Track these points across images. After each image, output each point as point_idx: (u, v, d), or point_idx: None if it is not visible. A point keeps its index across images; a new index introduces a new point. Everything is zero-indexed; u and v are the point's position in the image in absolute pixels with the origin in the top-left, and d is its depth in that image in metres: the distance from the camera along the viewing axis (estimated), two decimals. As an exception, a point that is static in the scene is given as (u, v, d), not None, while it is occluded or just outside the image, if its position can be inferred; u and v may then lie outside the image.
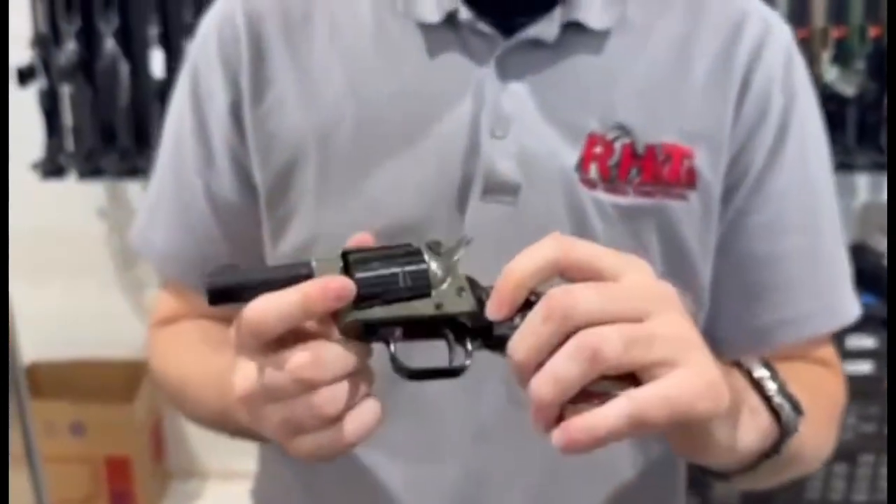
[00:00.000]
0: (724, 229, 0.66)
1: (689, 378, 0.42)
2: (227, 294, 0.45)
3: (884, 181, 1.98)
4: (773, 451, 0.56)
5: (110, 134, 1.84)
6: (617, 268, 0.44)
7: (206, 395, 0.64)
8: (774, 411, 0.56)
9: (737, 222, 0.66)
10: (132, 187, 2.05)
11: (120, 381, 2.06)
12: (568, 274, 0.45)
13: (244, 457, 0.88)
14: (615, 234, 0.63)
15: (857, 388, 1.05)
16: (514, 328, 0.44)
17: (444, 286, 0.47)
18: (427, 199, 0.63)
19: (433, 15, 0.62)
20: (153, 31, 1.78)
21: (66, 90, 1.81)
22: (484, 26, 0.62)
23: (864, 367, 1.74)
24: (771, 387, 0.57)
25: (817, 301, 0.68)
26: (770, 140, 0.65)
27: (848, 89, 1.71)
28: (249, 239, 0.68)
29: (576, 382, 0.41)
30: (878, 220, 1.98)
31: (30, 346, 1.97)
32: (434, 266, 0.47)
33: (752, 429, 0.54)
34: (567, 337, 0.42)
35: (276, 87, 0.65)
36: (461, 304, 0.47)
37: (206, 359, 0.66)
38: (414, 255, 0.47)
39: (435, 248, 0.48)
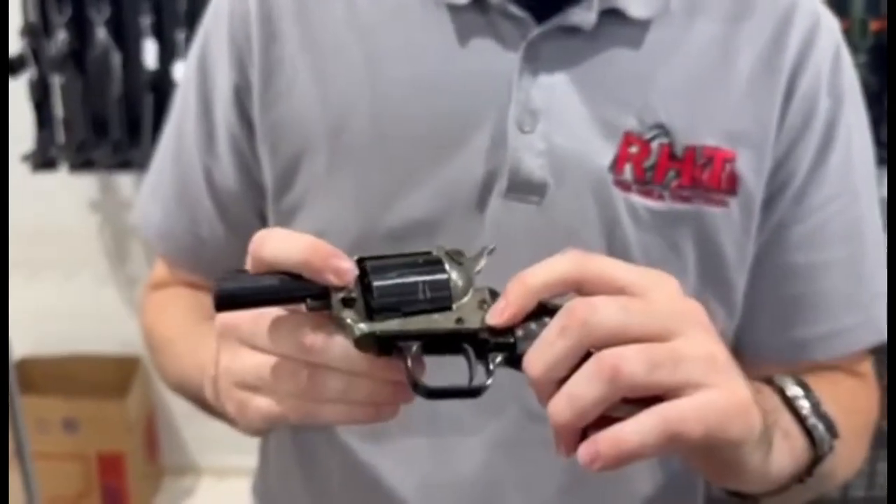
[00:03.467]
0: (764, 239, 0.63)
1: (719, 399, 0.40)
2: (234, 301, 0.43)
3: (884, 176, 1.96)
4: (806, 473, 0.54)
5: (102, 126, 1.81)
6: (641, 284, 0.42)
7: (183, 362, 0.64)
8: (808, 432, 0.54)
9: (777, 233, 0.63)
10: (124, 180, 2.02)
11: (113, 376, 2.04)
12: (586, 290, 0.42)
13: (238, 454, 0.87)
14: (649, 240, 0.59)
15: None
16: (539, 332, 0.42)
17: (466, 299, 0.44)
18: (445, 195, 0.59)
19: None
20: (146, 21, 1.75)
21: (56, 81, 1.78)
22: (516, 9, 0.58)
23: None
24: (804, 406, 0.54)
25: (858, 315, 0.64)
26: (815, 146, 0.61)
27: (849, 83, 1.70)
28: (246, 225, 0.66)
29: (595, 405, 0.39)
30: (877, 214, 1.97)
31: (21, 341, 1.95)
32: (455, 276, 0.44)
33: (786, 453, 0.51)
34: (588, 355, 0.40)
35: (286, 70, 0.61)
36: (483, 319, 0.44)
37: (189, 328, 0.65)
38: (434, 264, 0.44)
39: (456, 257, 0.45)
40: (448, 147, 0.59)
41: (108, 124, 1.80)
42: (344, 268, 0.42)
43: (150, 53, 1.76)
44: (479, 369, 0.44)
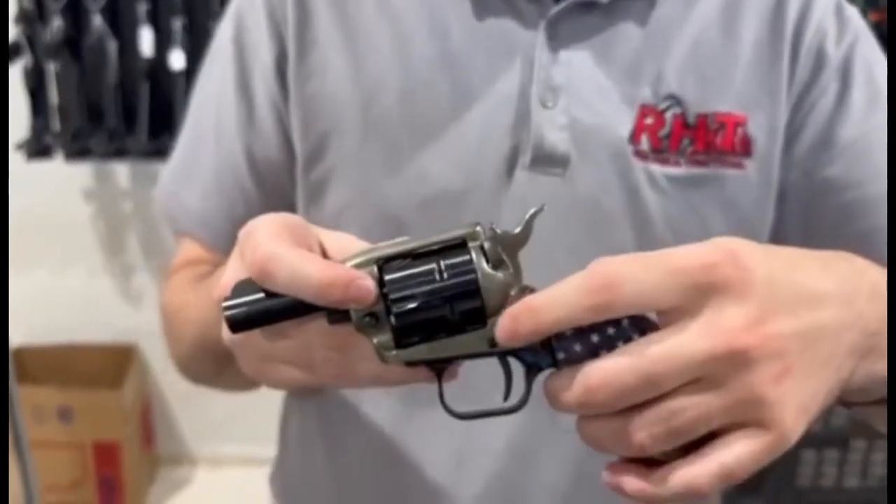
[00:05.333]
0: (809, 192, 0.63)
1: (768, 444, 0.39)
2: (249, 323, 0.41)
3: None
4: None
5: (97, 114, 1.80)
6: (684, 301, 0.38)
7: (197, 315, 0.63)
8: None
9: (818, 181, 0.63)
10: (120, 169, 2.01)
11: (108, 366, 2.03)
12: (612, 317, 0.39)
13: (234, 442, 0.87)
14: (669, 206, 0.61)
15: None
16: (583, 354, 0.39)
17: (502, 312, 0.40)
18: (473, 169, 0.61)
19: None
20: (142, 8, 1.74)
21: (51, 68, 1.77)
22: None
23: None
24: None
25: None
26: (833, 94, 0.63)
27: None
28: (283, 193, 0.67)
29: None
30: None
31: (15, 330, 1.94)
32: (489, 285, 0.40)
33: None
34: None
35: (319, 50, 0.63)
36: None
37: (203, 284, 0.64)
38: (464, 273, 0.40)
39: (494, 244, 0.40)
40: (473, 122, 0.61)
41: (104, 112, 1.79)
42: (364, 293, 0.39)
43: (146, 41, 1.75)
44: (517, 382, 0.42)
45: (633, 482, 0.40)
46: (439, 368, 0.41)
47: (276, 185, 0.68)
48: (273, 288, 0.40)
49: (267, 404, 0.85)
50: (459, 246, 0.41)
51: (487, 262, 0.40)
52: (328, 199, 0.64)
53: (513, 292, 0.40)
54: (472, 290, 0.40)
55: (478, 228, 0.41)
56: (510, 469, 0.65)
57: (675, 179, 0.61)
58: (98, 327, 2.05)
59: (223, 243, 0.69)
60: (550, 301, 0.39)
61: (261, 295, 0.41)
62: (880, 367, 0.43)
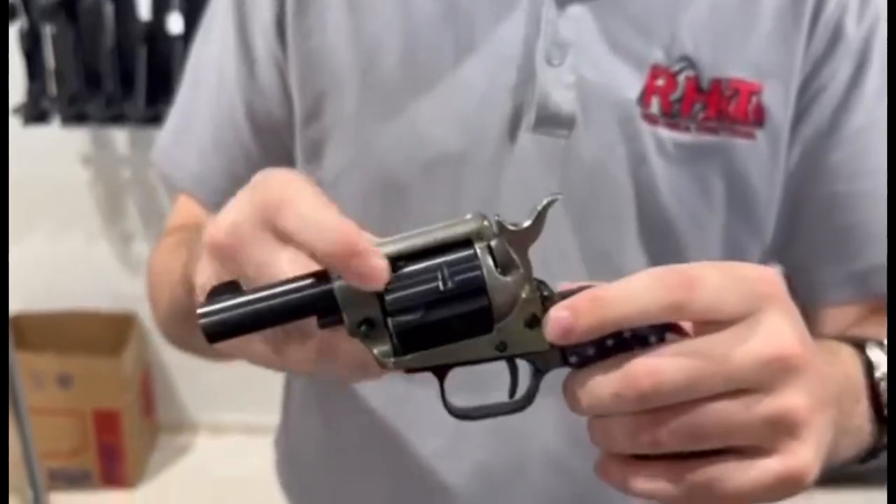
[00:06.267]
0: (803, 172, 0.62)
1: (771, 471, 0.37)
2: (228, 332, 0.37)
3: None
4: (872, 454, 0.50)
5: (95, 78, 1.78)
6: (747, 309, 0.37)
7: (175, 277, 0.59)
8: (880, 416, 0.50)
9: (815, 164, 0.62)
10: (118, 135, 1.99)
11: (107, 333, 2.03)
12: (681, 319, 0.37)
13: (234, 410, 0.87)
14: (675, 174, 0.59)
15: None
16: (597, 358, 0.37)
17: (510, 318, 0.37)
18: (474, 129, 0.59)
19: None
20: (139, -31, 1.71)
21: (47, 31, 1.74)
22: None
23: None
24: (883, 374, 0.49)
25: None
26: (846, 75, 0.60)
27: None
28: (283, 149, 0.65)
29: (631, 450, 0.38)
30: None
31: (14, 295, 1.93)
32: (497, 290, 0.36)
33: (851, 446, 0.48)
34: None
35: (319, 5, 0.61)
36: (531, 344, 0.37)
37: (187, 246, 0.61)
38: (469, 281, 0.36)
39: (499, 253, 0.37)
40: (475, 81, 0.59)
41: (101, 77, 1.77)
42: (377, 273, 0.36)
43: (143, 4, 1.72)
44: (523, 382, 0.40)
45: (641, 482, 0.38)
46: (441, 372, 0.39)
47: (278, 143, 0.66)
48: (277, 231, 0.37)
49: (268, 372, 0.84)
50: (464, 244, 0.37)
51: (496, 263, 0.37)
52: (326, 160, 0.63)
53: (524, 294, 0.37)
54: (479, 297, 0.37)
55: (485, 223, 0.37)
56: (508, 439, 0.64)
57: (683, 146, 0.59)
58: (97, 294, 2.04)
59: (222, 202, 0.67)
60: (622, 294, 0.36)
61: (243, 299, 0.37)
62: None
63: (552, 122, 0.58)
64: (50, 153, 1.95)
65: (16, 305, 1.99)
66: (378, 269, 0.36)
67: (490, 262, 0.37)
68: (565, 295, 0.37)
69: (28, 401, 1.65)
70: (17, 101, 1.78)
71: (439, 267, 0.37)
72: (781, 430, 0.37)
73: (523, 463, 0.65)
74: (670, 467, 0.38)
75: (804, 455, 0.38)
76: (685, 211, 0.60)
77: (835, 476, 0.47)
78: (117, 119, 1.77)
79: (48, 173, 1.99)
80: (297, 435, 0.75)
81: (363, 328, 0.37)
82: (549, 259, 0.60)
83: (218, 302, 0.37)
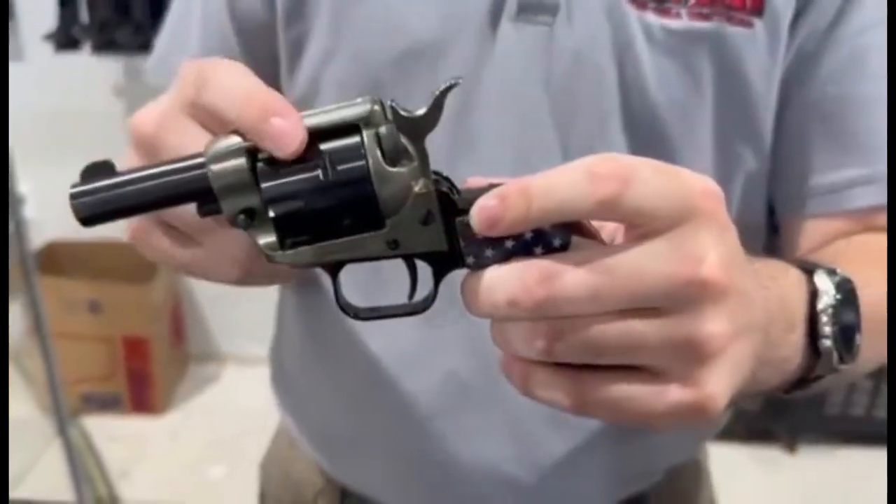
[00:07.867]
0: (794, 71, 0.57)
1: (671, 402, 0.35)
2: (99, 217, 0.36)
3: None
4: (795, 386, 0.47)
5: (125, 6, 1.76)
6: (672, 216, 0.33)
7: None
8: (816, 349, 0.46)
9: (808, 63, 0.57)
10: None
11: (139, 263, 2.04)
12: (610, 219, 0.34)
13: (261, 343, 0.86)
14: (664, 63, 0.55)
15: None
16: (495, 260, 0.34)
17: (403, 213, 0.35)
18: (453, 17, 0.55)
19: None
20: None
21: (77, -43, 1.73)
22: None
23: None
24: (826, 305, 0.45)
25: None
26: None
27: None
28: (271, 60, 0.63)
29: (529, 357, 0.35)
30: None
31: (49, 225, 1.97)
32: (387, 185, 0.34)
33: (774, 376, 0.45)
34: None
35: None
36: (426, 242, 0.35)
37: None
38: (355, 179, 0.34)
39: (388, 141, 0.34)
40: None
41: (130, 4, 1.75)
42: (288, 139, 0.34)
43: (172, -70, 1.69)
44: (421, 282, 0.37)
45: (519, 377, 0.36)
46: (335, 268, 0.36)
47: (263, 47, 0.64)
48: (198, 106, 0.36)
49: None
50: (352, 131, 0.34)
51: (383, 153, 0.34)
52: (305, 60, 0.60)
53: (417, 187, 0.35)
54: (362, 188, 0.34)
55: (376, 108, 0.34)
56: (481, 348, 0.61)
57: (673, 33, 0.54)
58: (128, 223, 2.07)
59: None
60: (552, 184, 0.33)
61: (116, 180, 0.35)
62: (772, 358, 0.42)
63: (535, 8, 0.54)
64: (83, 82, 1.96)
65: (50, 234, 2.02)
66: (290, 134, 0.34)
67: (377, 151, 0.34)
68: (471, 191, 0.34)
69: (59, 326, 1.68)
70: (49, 29, 1.78)
71: (321, 154, 0.34)
72: (690, 356, 0.34)
73: (498, 376, 0.62)
74: (569, 378, 0.35)
75: (712, 385, 0.35)
76: (674, 106, 0.56)
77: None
78: (146, 48, 1.76)
79: (81, 104, 2.00)
80: (286, 346, 0.74)
81: (242, 217, 0.35)
82: (528, 155, 0.56)
83: (91, 182, 0.36)
